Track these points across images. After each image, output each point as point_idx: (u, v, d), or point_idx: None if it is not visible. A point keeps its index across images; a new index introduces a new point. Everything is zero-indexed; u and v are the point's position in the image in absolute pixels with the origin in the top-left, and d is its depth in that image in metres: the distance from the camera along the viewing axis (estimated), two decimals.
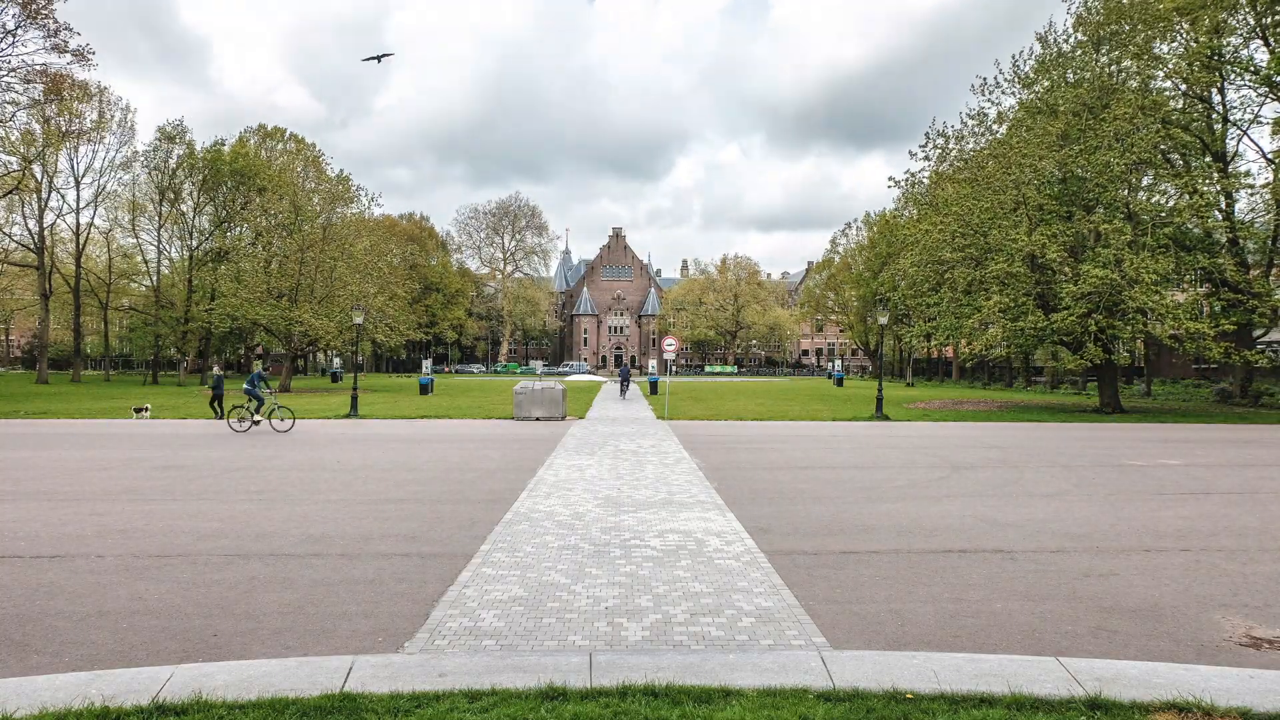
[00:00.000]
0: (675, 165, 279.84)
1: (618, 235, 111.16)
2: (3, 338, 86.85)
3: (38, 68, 38.57)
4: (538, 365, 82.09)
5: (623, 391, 36.06)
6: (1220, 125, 30.66)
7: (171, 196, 53.21)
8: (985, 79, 33.34)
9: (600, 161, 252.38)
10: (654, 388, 42.28)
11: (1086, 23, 30.41)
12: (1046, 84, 31.20)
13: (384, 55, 50.73)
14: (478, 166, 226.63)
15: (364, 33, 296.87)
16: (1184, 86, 30.01)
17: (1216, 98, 30.70)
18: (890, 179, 36.26)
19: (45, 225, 50.65)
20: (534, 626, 5.73)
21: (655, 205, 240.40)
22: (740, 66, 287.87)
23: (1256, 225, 29.99)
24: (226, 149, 53.53)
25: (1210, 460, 15.61)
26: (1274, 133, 28.57)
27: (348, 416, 25.33)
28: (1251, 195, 29.67)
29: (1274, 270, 29.96)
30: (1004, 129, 31.95)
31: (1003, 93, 33.15)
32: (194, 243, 54.48)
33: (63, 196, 52.83)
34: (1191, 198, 26.49)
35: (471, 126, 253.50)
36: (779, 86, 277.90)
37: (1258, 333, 30.65)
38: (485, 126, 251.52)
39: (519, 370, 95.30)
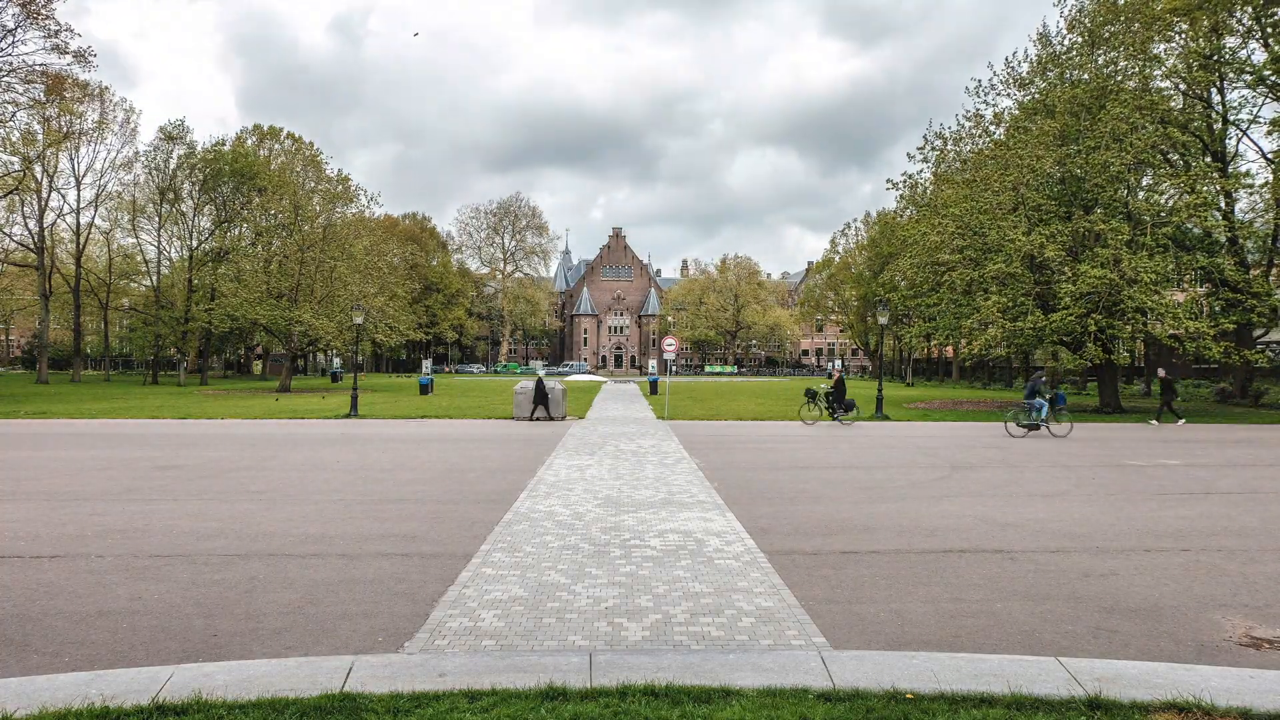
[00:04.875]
0: None
1: (618, 235, 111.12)
2: (3, 338, 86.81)
3: (38, 68, 38.61)
4: (538, 365, 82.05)
5: (533, 413, 24.80)
6: (1220, 125, 30.65)
7: (171, 197, 53.20)
8: (980, 81, 33.41)
9: None
10: (654, 388, 42.31)
11: (1081, 23, 30.42)
12: (1043, 85, 31.21)
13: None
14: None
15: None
16: (1183, 86, 30.01)
17: (1216, 97, 30.69)
18: (889, 181, 36.33)
19: (45, 225, 50.67)
20: (534, 626, 5.73)
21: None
22: None
23: (1256, 225, 29.98)
24: (227, 149, 53.53)
25: (1210, 460, 15.60)
26: (1269, 132, 28.55)
27: (348, 416, 25.33)
28: (1251, 195, 29.67)
29: (1274, 270, 29.95)
30: (1001, 130, 31.97)
31: (998, 94, 33.19)
32: (194, 243, 54.44)
33: (63, 196, 52.91)
34: (1190, 197, 26.49)
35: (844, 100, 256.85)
36: None
37: (1257, 332, 30.64)
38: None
39: (519, 370, 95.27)
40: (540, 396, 24.55)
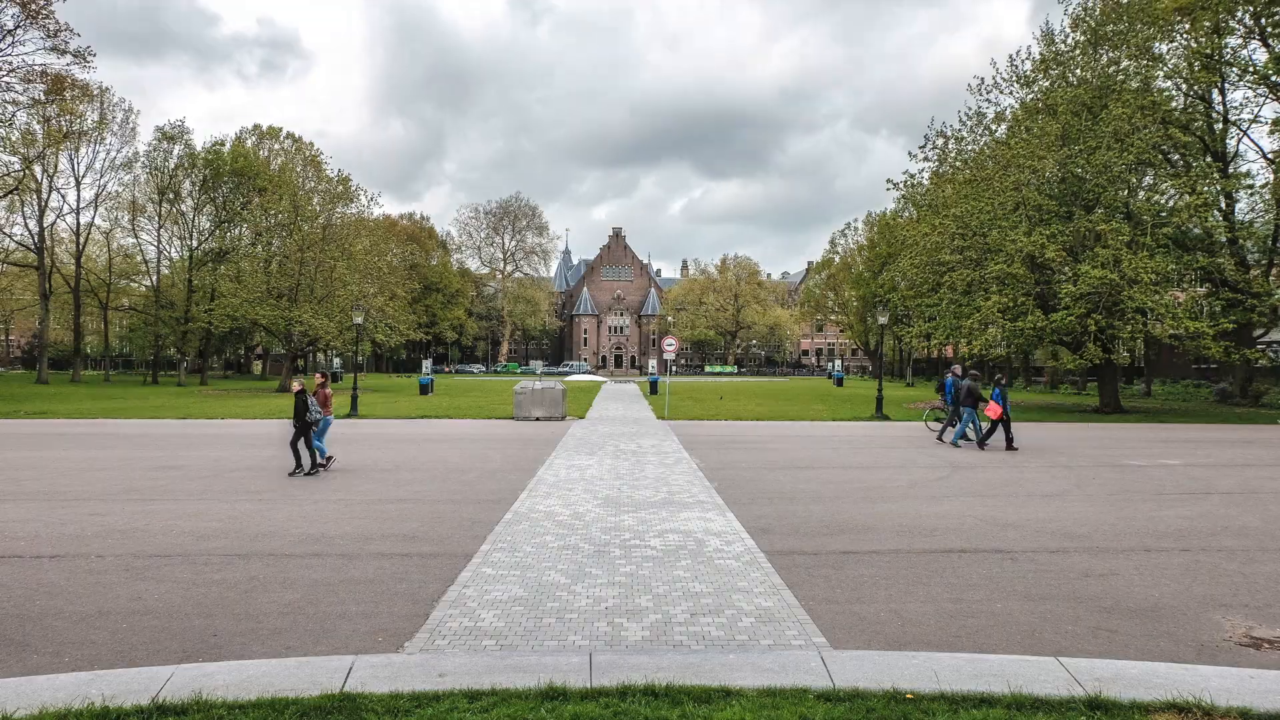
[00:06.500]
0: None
1: (618, 235, 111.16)
2: (3, 338, 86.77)
3: (38, 68, 38.59)
4: (538, 365, 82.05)
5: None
6: (1220, 125, 30.65)
7: (171, 196, 53.19)
8: (983, 79, 33.32)
9: None
10: (654, 388, 42.30)
11: (1084, 22, 30.41)
12: (1045, 84, 31.17)
13: None
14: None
15: None
16: (1184, 86, 30.01)
17: (1217, 98, 30.69)
18: (889, 181, 36.28)
19: (45, 225, 50.61)
20: (534, 626, 5.73)
21: None
22: None
23: (1256, 225, 29.98)
24: (226, 149, 53.55)
25: (1210, 460, 15.60)
26: (1271, 132, 28.54)
27: (348, 416, 25.32)
28: (1251, 195, 29.67)
29: (1274, 270, 29.95)
30: (1003, 129, 31.94)
31: (1000, 93, 33.15)
32: (194, 243, 54.43)
33: (63, 196, 52.79)
34: (1191, 198, 26.48)
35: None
36: None
37: (1258, 333, 30.65)
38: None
39: (519, 370, 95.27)
40: (301, 408, 13.27)
